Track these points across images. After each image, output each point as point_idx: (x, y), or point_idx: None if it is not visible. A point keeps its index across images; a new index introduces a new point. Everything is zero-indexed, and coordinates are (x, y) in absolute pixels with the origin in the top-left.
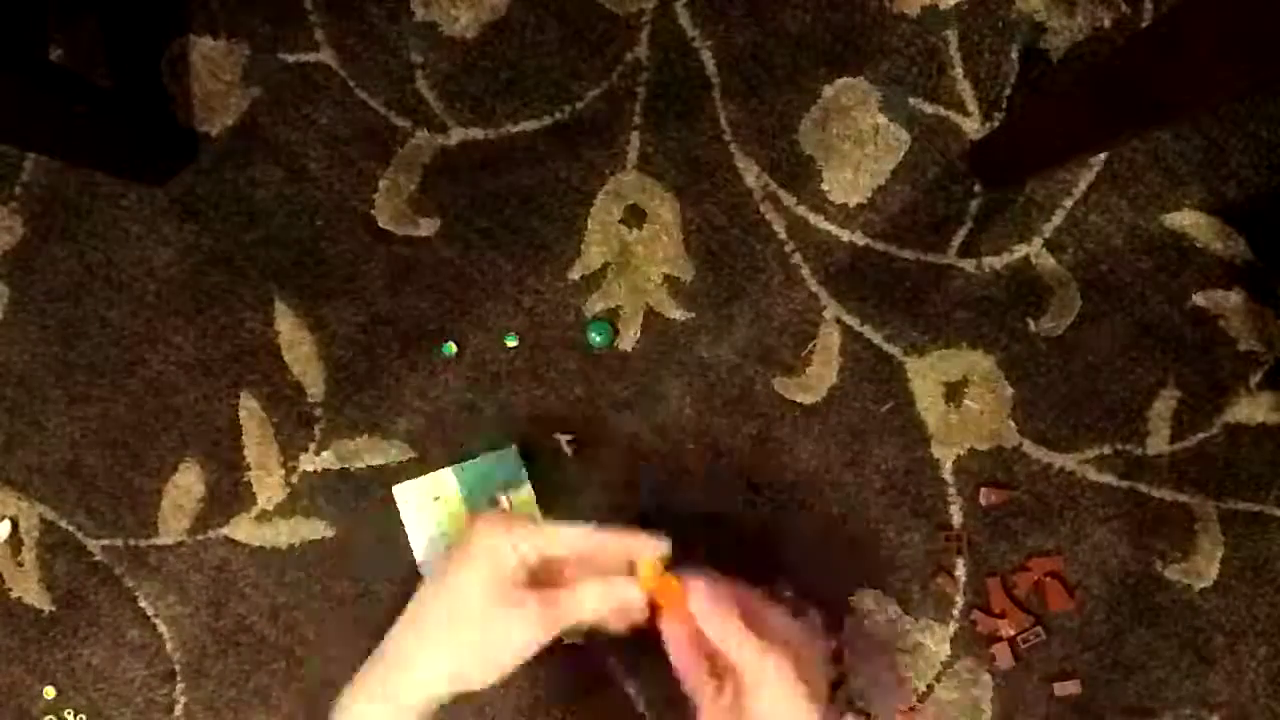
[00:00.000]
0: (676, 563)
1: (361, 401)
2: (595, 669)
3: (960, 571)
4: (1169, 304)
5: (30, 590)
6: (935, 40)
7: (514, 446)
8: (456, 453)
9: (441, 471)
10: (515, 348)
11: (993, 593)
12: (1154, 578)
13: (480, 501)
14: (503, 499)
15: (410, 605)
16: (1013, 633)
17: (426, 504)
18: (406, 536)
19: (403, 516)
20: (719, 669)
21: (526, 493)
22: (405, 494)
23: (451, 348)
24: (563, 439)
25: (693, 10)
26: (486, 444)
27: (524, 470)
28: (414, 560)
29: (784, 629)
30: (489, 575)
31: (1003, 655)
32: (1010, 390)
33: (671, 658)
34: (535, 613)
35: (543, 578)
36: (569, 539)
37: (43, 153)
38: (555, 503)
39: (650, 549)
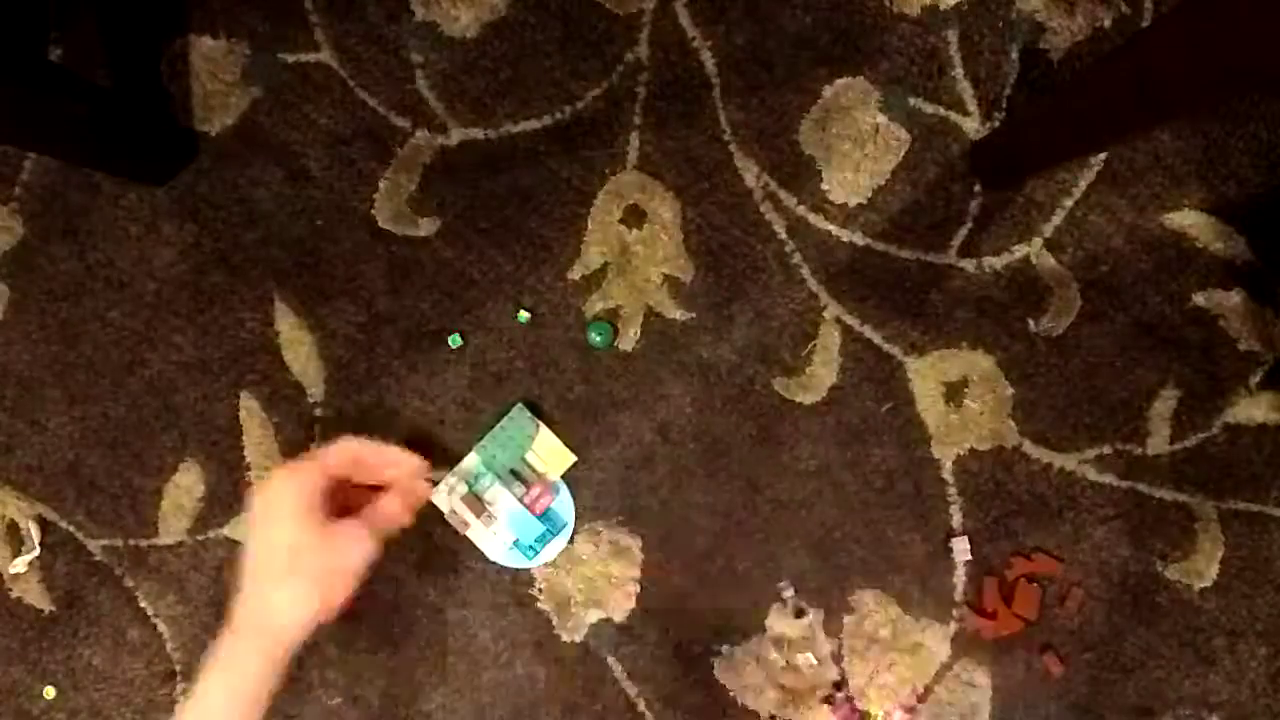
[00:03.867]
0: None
1: (361, 401)
2: (595, 668)
3: (960, 572)
4: (1169, 304)
5: (30, 590)
6: (935, 40)
7: (520, 404)
8: (457, 450)
9: (465, 460)
10: (525, 326)
11: (987, 593)
12: (1154, 578)
13: (509, 467)
14: (530, 457)
15: (246, 563)
16: (1005, 633)
17: (461, 494)
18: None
19: (448, 518)
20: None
21: (549, 440)
22: (439, 498)
23: (458, 338)
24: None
25: (693, 10)
26: (496, 414)
27: (537, 422)
28: (412, 560)
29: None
30: (302, 517)
31: (1052, 663)
32: (1010, 390)
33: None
34: (358, 533)
35: (337, 500)
36: (342, 453)
37: (43, 153)
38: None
39: (409, 463)
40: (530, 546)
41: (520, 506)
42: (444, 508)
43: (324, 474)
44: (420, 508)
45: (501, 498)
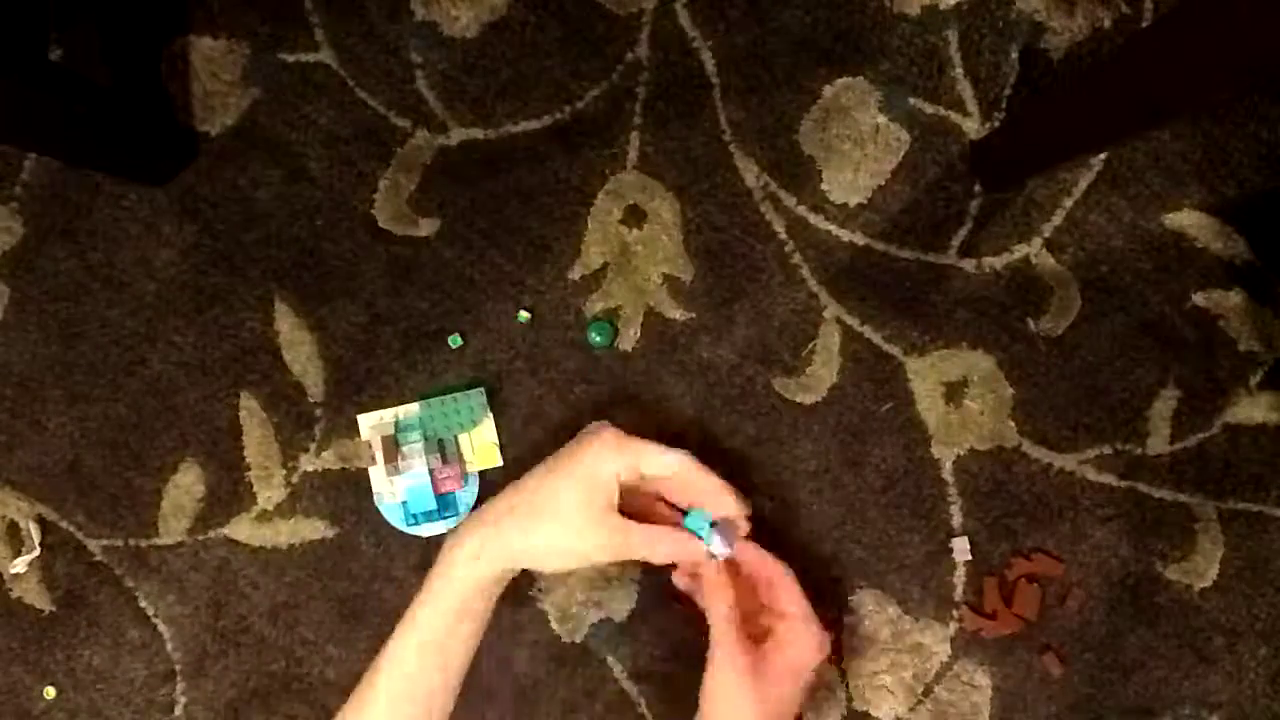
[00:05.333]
0: None
1: (361, 401)
2: (595, 669)
3: (960, 571)
4: (1169, 304)
5: (30, 590)
6: (935, 40)
7: (482, 390)
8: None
9: (408, 405)
10: (525, 326)
11: (987, 593)
12: (1154, 578)
13: (439, 437)
14: (464, 439)
15: (520, 484)
16: (1005, 633)
17: (384, 433)
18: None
19: (359, 443)
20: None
21: (488, 433)
22: (364, 421)
23: (458, 338)
24: None
25: (693, 10)
26: (462, 385)
27: (489, 412)
28: (412, 560)
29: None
30: (585, 494)
31: (1052, 664)
32: (1010, 390)
33: (711, 600)
34: (611, 540)
35: (634, 499)
36: (668, 463)
37: (43, 153)
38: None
39: (732, 507)
40: (414, 515)
41: (427, 478)
42: (363, 433)
43: (634, 471)
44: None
45: (416, 460)
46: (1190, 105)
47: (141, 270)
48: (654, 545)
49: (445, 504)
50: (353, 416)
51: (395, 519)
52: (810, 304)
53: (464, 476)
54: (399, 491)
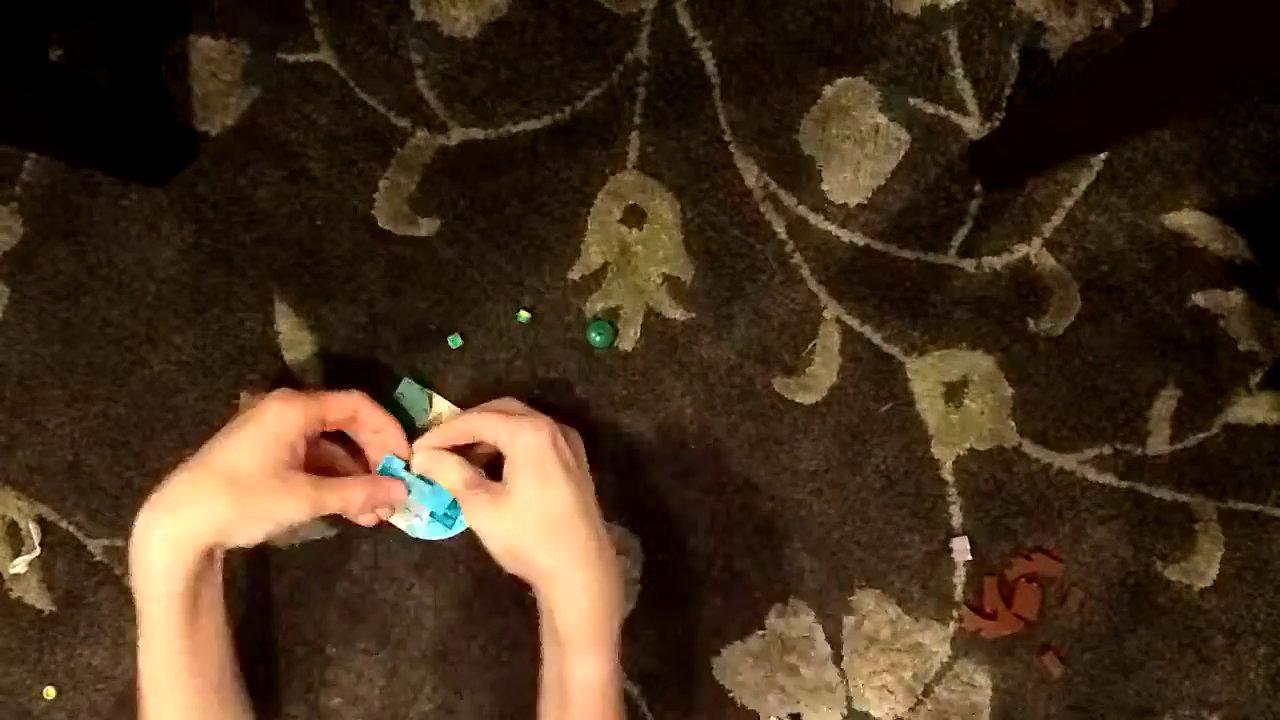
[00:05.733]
0: None
1: None
2: None
3: (960, 572)
4: (1169, 304)
5: (30, 590)
6: (935, 40)
7: (406, 378)
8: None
9: None
10: (525, 326)
11: (987, 593)
12: (1154, 578)
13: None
14: (428, 427)
15: (197, 457)
16: (1005, 633)
17: None
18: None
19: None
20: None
21: (444, 407)
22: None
23: (458, 339)
24: None
25: (693, 10)
26: (387, 394)
27: (429, 392)
28: (413, 559)
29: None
30: (265, 457)
31: (1052, 664)
32: (1010, 390)
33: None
34: (303, 494)
35: (318, 455)
36: (346, 404)
37: (43, 153)
38: None
39: (399, 448)
40: (446, 514)
41: (425, 480)
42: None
43: (318, 421)
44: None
45: (406, 475)
46: (1190, 105)
47: (141, 270)
48: (346, 494)
49: None
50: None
51: (437, 534)
52: (810, 304)
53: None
54: (420, 511)
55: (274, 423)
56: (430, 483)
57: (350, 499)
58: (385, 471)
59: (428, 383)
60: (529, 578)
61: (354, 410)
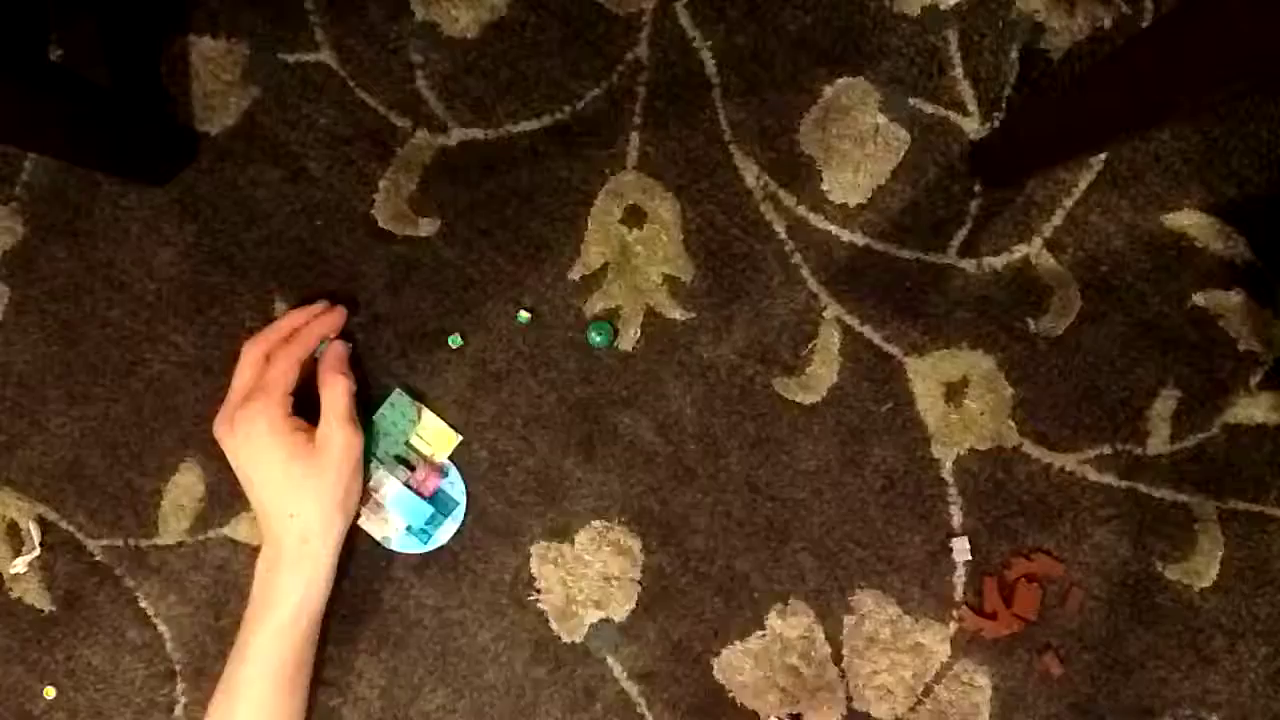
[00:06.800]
0: None
1: (362, 401)
2: (595, 668)
3: (960, 571)
4: (1169, 304)
5: (30, 590)
6: (935, 40)
7: (398, 389)
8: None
9: None
10: (525, 326)
11: (987, 593)
12: (1154, 578)
13: (393, 453)
14: (415, 441)
15: (262, 521)
16: (1005, 633)
17: None
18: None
19: None
20: None
21: (432, 421)
22: None
23: (458, 339)
24: None
25: (693, 10)
26: (379, 400)
27: (418, 405)
28: (412, 559)
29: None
30: (287, 450)
31: (1052, 664)
32: (1010, 390)
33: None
34: (332, 431)
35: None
36: (273, 364)
37: (43, 153)
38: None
39: (316, 325)
40: (423, 530)
41: (408, 491)
42: None
43: (281, 397)
44: (349, 355)
45: (388, 484)
46: (1190, 105)
47: (141, 270)
48: (328, 392)
49: (439, 502)
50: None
51: (412, 547)
52: (810, 304)
53: (440, 469)
54: (395, 522)
55: (262, 436)
56: (414, 495)
57: (334, 392)
58: (395, 408)
59: (418, 396)
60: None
61: (272, 354)
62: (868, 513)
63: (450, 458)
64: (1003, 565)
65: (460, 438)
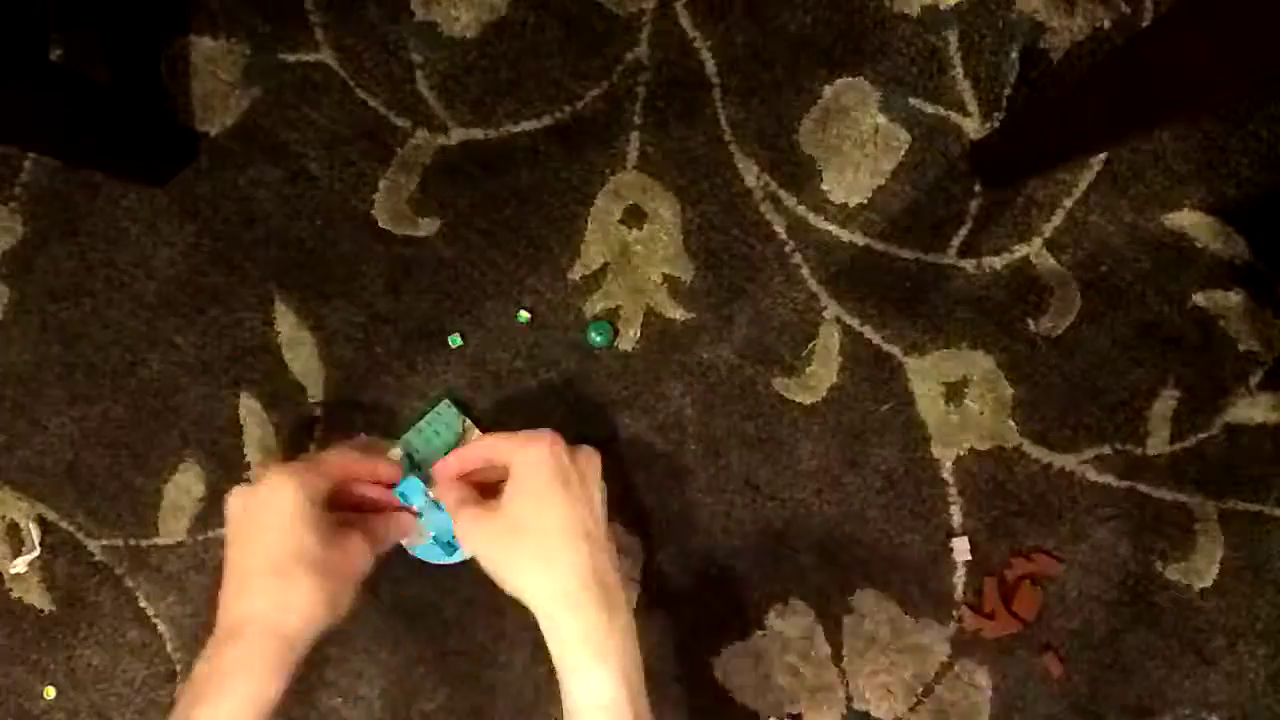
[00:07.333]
0: None
1: (361, 401)
2: None
3: (960, 572)
4: (1169, 304)
5: (30, 590)
6: (935, 40)
7: (446, 400)
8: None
9: (389, 451)
10: (525, 326)
11: (987, 593)
12: (1154, 578)
13: (432, 461)
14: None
15: (246, 563)
16: (1005, 633)
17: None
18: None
19: None
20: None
21: (473, 433)
22: None
23: (458, 338)
24: None
25: (693, 10)
26: (426, 407)
27: (464, 418)
28: (411, 559)
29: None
30: (315, 520)
31: (1052, 664)
32: (1010, 390)
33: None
34: (362, 544)
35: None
36: (337, 461)
37: (43, 153)
38: None
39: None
40: (448, 543)
41: (440, 506)
42: None
43: (328, 479)
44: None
45: (420, 496)
46: (1190, 105)
47: (141, 270)
48: (399, 524)
49: None
50: (352, 416)
51: (433, 557)
52: (810, 304)
53: None
54: (425, 532)
55: (294, 493)
56: (441, 507)
57: (388, 531)
58: (402, 494)
59: (466, 407)
60: (520, 599)
61: (348, 467)
62: (868, 513)
63: None
64: (1003, 565)
65: None
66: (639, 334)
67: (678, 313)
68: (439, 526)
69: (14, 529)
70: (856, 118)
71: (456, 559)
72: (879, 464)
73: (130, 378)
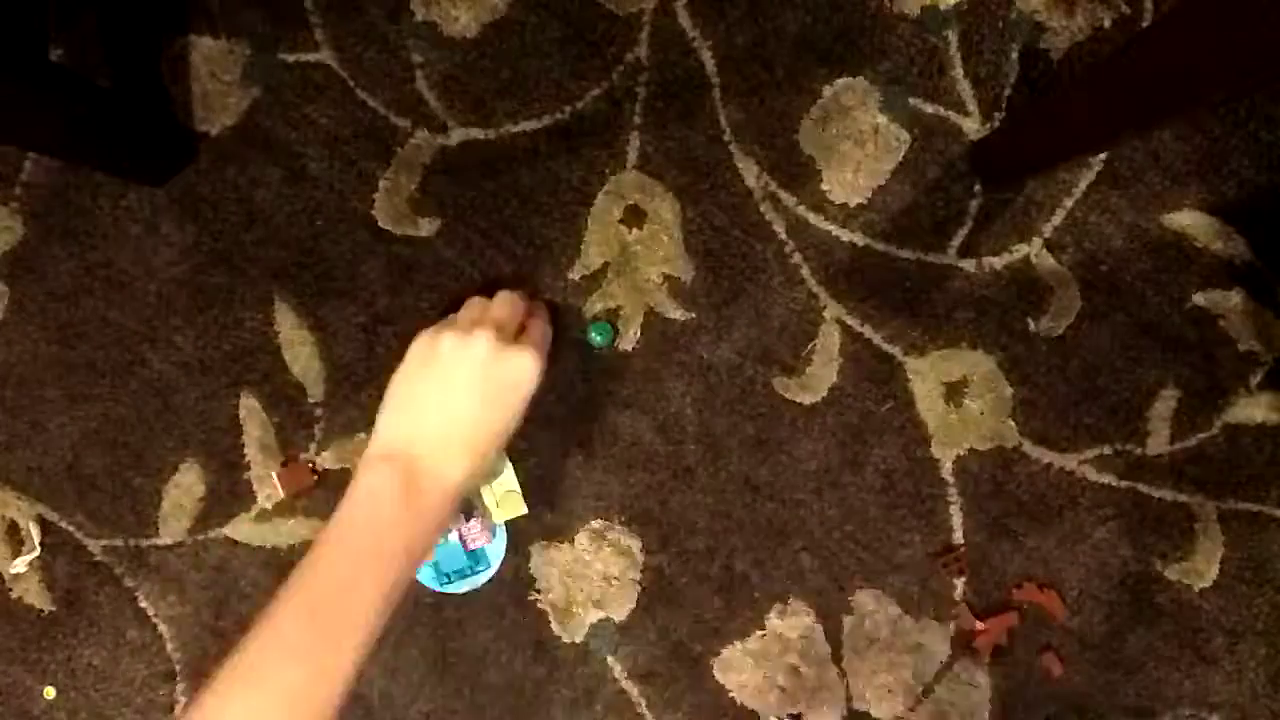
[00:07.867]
0: None
1: (361, 401)
2: (595, 668)
3: (960, 580)
4: (1169, 304)
5: (30, 590)
6: (935, 40)
7: None
8: None
9: None
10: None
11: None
12: (1154, 578)
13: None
14: (485, 491)
15: (416, 401)
16: (1004, 633)
17: None
18: None
19: None
20: None
21: (509, 481)
22: None
23: None
24: None
25: (693, 10)
26: None
27: (507, 462)
28: None
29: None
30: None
31: (1052, 664)
32: (1010, 390)
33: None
34: (529, 353)
35: None
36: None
37: (43, 153)
38: (551, 493)
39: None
40: (446, 574)
41: (455, 537)
42: None
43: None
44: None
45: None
46: (1190, 105)
47: (141, 270)
48: (535, 330)
49: (475, 558)
50: (352, 416)
51: (427, 579)
52: (810, 304)
53: (491, 529)
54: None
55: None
56: (456, 543)
57: (542, 333)
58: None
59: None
60: None
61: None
62: (868, 513)
63: (506, 524)
64: (1003, 566)
65: (526, 510)
66: (639, 334)
67: (678, 313)
68: (447, 559)
69: (14, 529)
70: (856, 118)
71: (447, 590)
72: (879, 464)
73: (130, 378)
